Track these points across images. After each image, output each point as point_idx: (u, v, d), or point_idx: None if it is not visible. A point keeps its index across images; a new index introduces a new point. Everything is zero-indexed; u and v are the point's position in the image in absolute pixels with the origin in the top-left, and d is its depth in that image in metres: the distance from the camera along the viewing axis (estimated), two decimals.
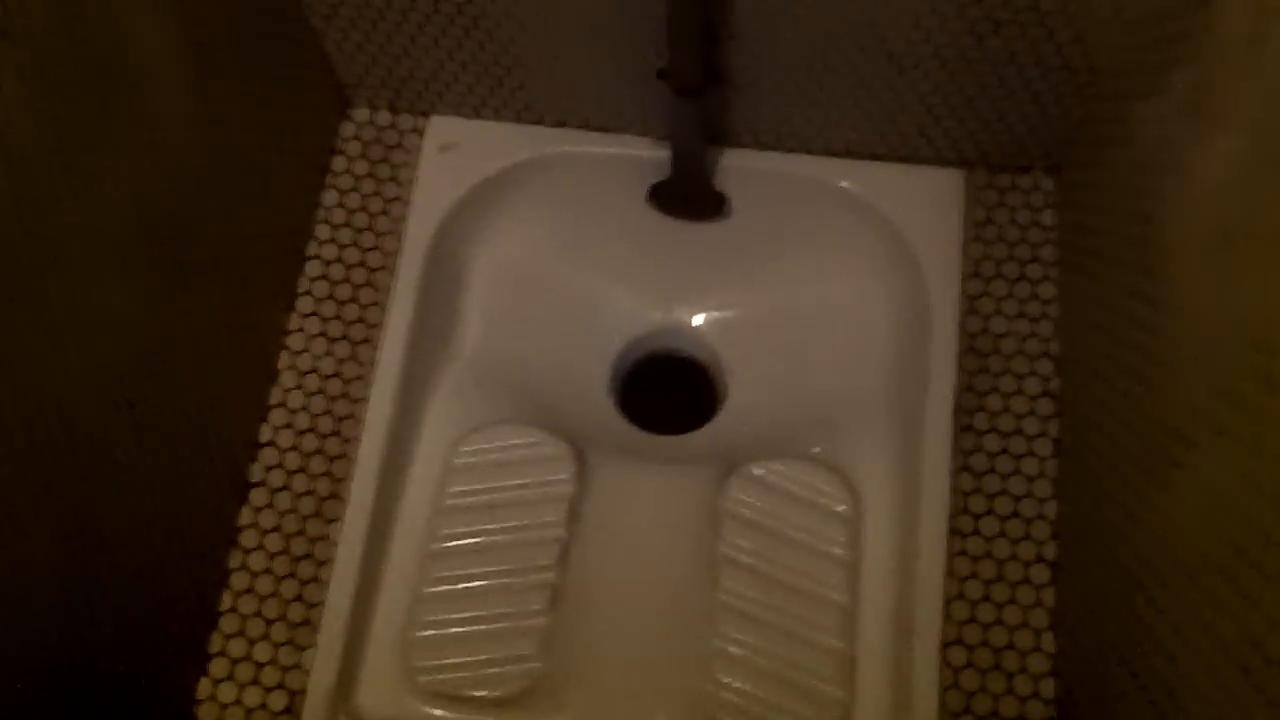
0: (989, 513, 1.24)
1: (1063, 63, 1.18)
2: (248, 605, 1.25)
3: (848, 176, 1.35)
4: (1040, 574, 1.21)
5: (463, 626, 1.26)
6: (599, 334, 1.43)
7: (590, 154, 1.38)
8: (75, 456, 0.95)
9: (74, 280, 0.92)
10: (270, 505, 1.28)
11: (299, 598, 1.25)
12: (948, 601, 1.20)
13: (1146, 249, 1.04)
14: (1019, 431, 1.26)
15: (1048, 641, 1.19)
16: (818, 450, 1.33)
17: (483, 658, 1.25)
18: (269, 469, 1.29)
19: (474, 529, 1.30)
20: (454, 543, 1.29)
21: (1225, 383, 0.84)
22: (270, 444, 1.30)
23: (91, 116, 0.92)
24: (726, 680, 1.22)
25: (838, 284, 1.40)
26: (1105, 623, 1.06)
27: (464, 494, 1.31)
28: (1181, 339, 0.94)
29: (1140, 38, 1.09)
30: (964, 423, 1.27)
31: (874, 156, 1.35)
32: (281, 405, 1.31)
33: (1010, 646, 1.19)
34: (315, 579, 1.25)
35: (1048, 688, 1.18)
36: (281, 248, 1.33)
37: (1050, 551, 1.22)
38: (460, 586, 1.28)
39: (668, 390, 1.42)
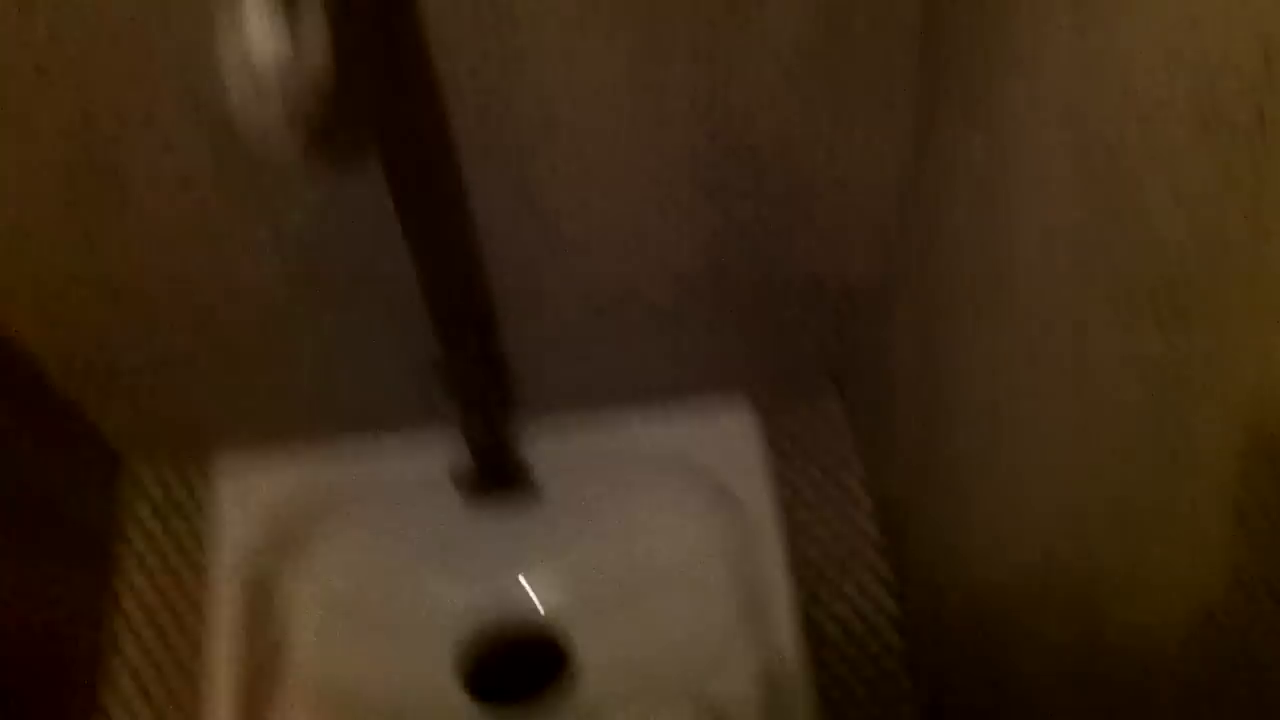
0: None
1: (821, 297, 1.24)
2: None
3: (645, 431, 1.38)
4: None
5: None
6: (437, 633, 1.38)
7: (387, 461, 1.37)
8: None
9: None
10: None
11: None
12: None
13: (941, 441, 1.07)
14: (864, 647, 1.27)
15: None
16: (675, 696, 1.31)
17: None
18: None
19: None
20: None
21: (1030, 543, 0.86)
22: None
23: None
24: None
25: (661, 528, 1.40)
26: None
27: None
28: (990, 508, 0.97)
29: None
30: (815, 638, 1.27)
31: (668, 395, 1.37)
32: None
33: None
34: None
35: None
36: (80, 615, 1.27)
37: None
38: None
39: (520, 671, 1.38)
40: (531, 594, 1.41)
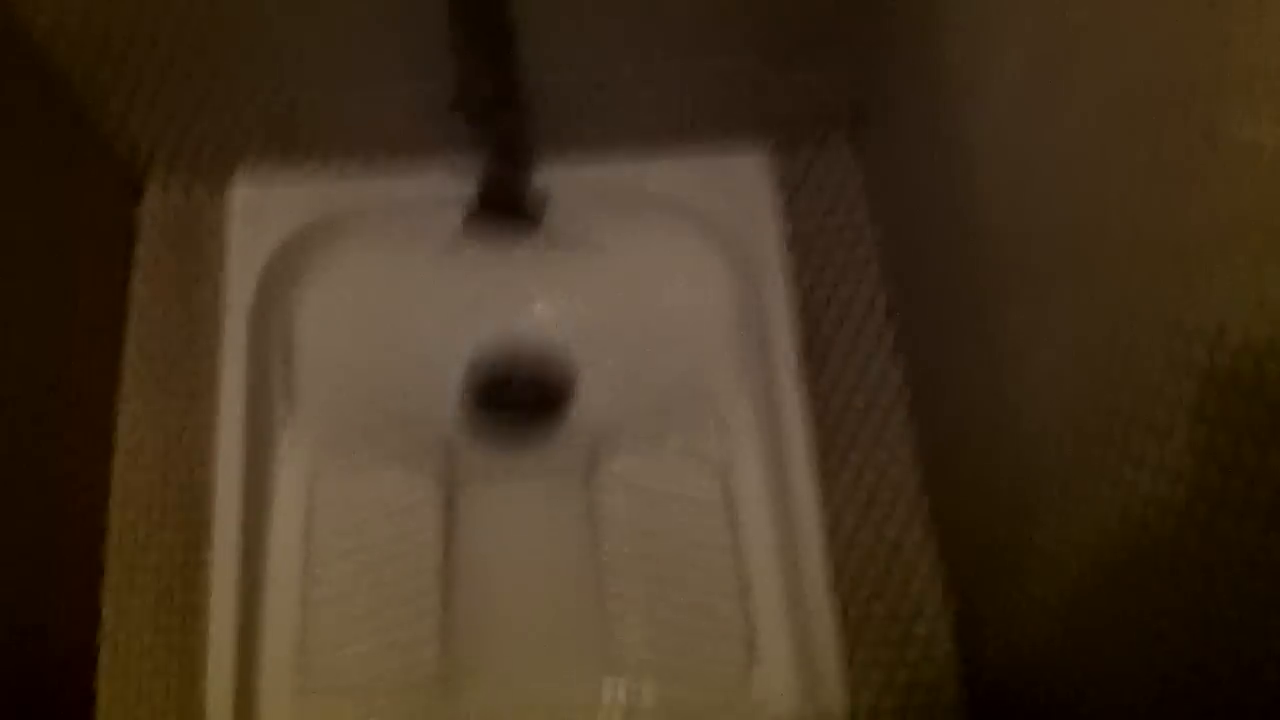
0: (858, 481, 1.27)
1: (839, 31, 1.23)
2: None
3: (655, 176, 1.37)
4: (915, 532, 1.25)
5: (351, 672, 1.23)
6: (441, 363, 1.42)
7: (397, 195, 1.37)
8: None
9: None
10: (130, 584, 1.23)
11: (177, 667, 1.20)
12: (827, 549, 1.22)
13: (950, 180, 1.08)
14: (862, 384, 1.31)
15: (933, 594, 1.22)
16: (677, 438, 1.35)
17: (380, 702, 1.23)
18: (120, 552, 1.24)
19: (346, 571, 1.27)
20: (327, 589, 1.26)
21: (1055, 288, 0.88)
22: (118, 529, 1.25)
23: None
24: (625, 676, 1.24)
25: (667, 276, 1.42)
26: (992, 553, 1.09)
27: (331, 545, 1.28)
28: (1007, 261, 0.98)
29: None
30: (811, 388, 1.29)
31: (680, 142, 1.37)
32: (122, 492, 1.26)
33: (889, 572, 1.23)
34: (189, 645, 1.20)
35: (944, 631, 1.21)
36: (93, 336, 1.29)
37: (925, 507, 1.26)
38: (341, 632, 1.25)
39: (521, 407, 1.42)
40: (537, 328, 1.44)
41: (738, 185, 1.37)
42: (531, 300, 1.45)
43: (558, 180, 1.37)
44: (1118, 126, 0.74)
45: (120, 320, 1.33)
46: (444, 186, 1.36)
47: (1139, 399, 0.75)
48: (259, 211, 1.36)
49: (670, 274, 1.42)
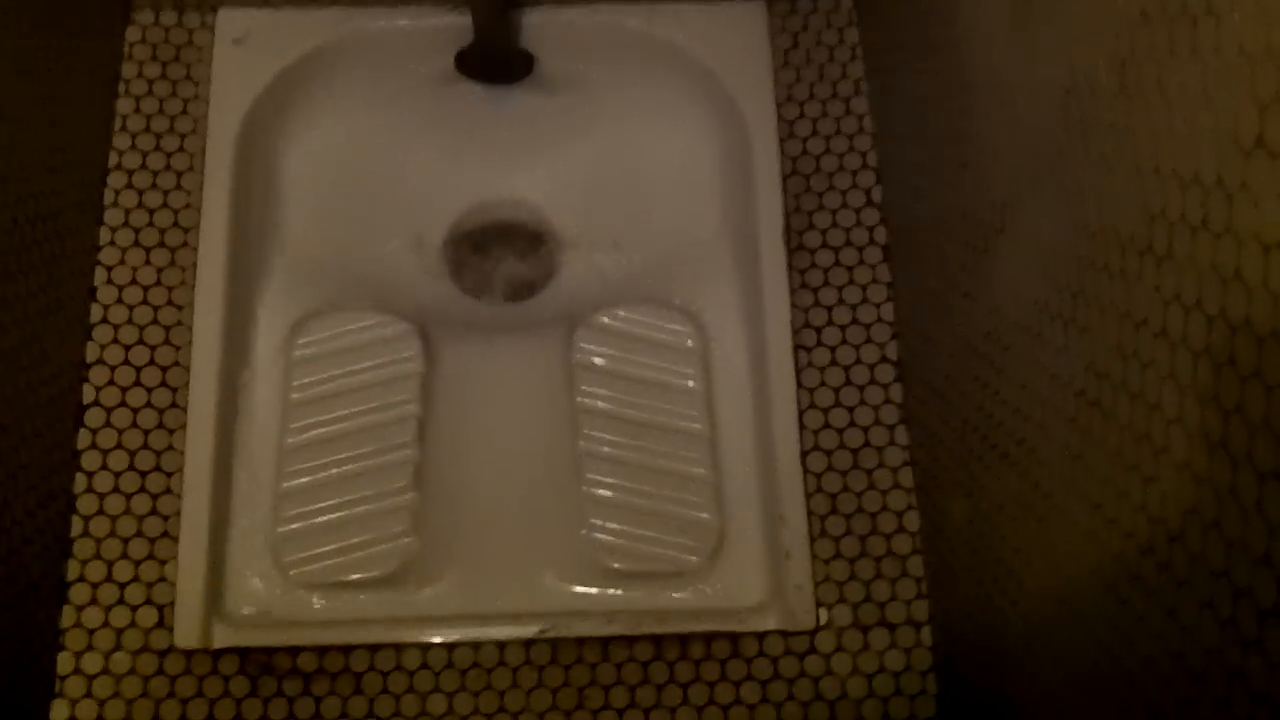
0: (829, 324, 1.27)
1: None
2: (100, 527, 1.21)
3: (650, 21, 1.35)
4: (885, 373, 1.26)
5: (329, 515, 1.24)
6: (426, 210, 1.41)
7: (390, 29, 1.35)
8: None
9: None
10: (108, 424, 1.23)
11: (153, 511, 1.21)
12: (801, 412, 1.24)
13: (949, 40, 1.06)
14: (849, 243, 1.30)
15: (901, 434, 1.24)
16: (659, 292, 1.34)
17: (353, 541, 1.23)
18: (100, 387, 1.24)
19: (326, 418, 1.28)
20: (307, 435, 1.27)
21: (1039, 136, 0.87)
22: (99, 362, 1.24)
23: None
24: (601, 524, 1.24)
25: (657, 129, 1.41)
26: (953, 403, 1.10)
27: (309, 385, 1.29)
28: (992, 112, 0.97)
29: None
30: (795, 243, 1.29)
31: None
32: (104, 321, 1.26)
33: (866, 444, 1.24)
34: (167, 490, 1.22)
35: (906, 477, 1.23)
36: (80, 159, 1.26)
37: (893, 351, 1.26)
38: (320, 476, 1.26)
39: (504, 258, 1.41)
40: (523, 177, 1.42)
41: (733, 34, 1.35)
42: (519, 144, 1.43)
43: (552, 25, 1.36)
44: None
45: (105, 143, 1.31)
46: (437, 21, 1.34)
47: (1110, 248, 0.75)
48: (249, 40, 1.34)
49: (660, 124, 1.40)
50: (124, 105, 1.33)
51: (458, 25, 1.33)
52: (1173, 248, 0.67)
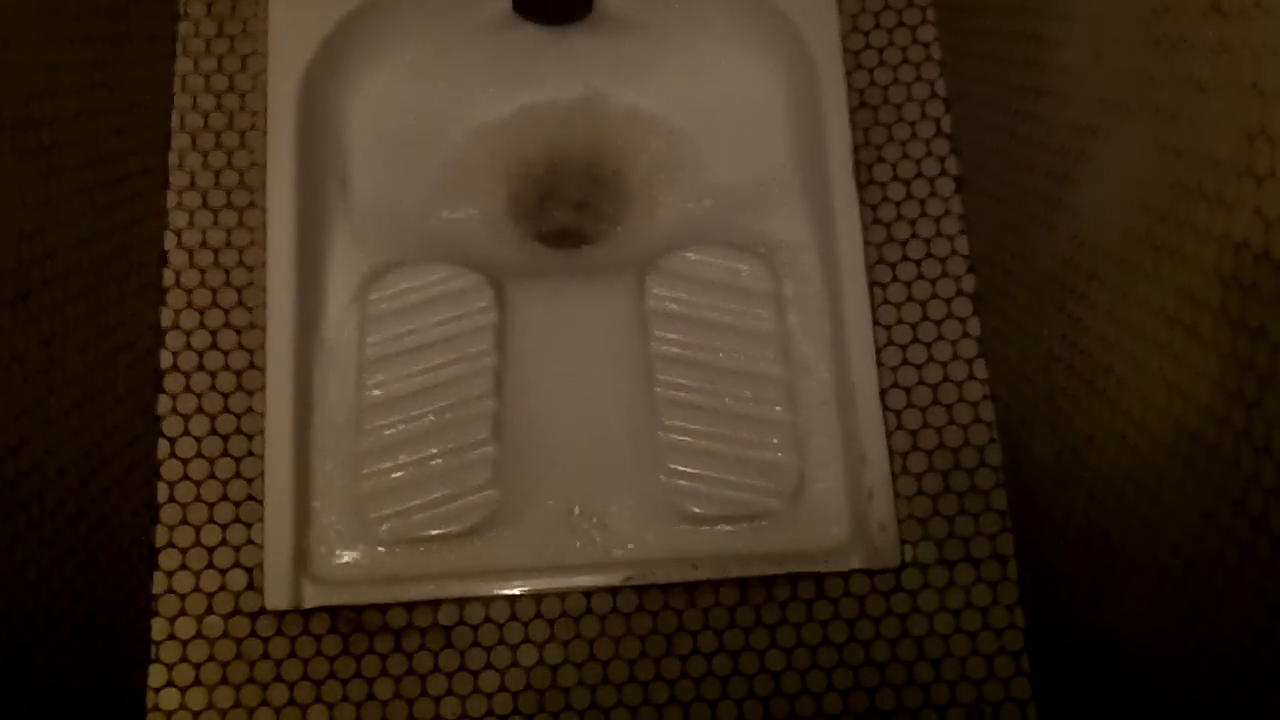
0: (904, 259, 1.25)
1: None
2: (185, 493, 1.22)
3: None
4: (963, 307, 1.24)
5: (410, 470, 1.25)
6: (492, 156, 1.39)
7: None
8: None
9: None
10: (187, 389, 1.24)
11: (236, 474, 1.23)
12: (878, 350, 1.22)
13: None
14: (920, 175, 1.27)
15: (980, 368, 1.22)
16: (729, 233, 1.33)
17: (436, 495, 1.24)
18: (177, 353, 1.25)
19: (402, 373, 1.28)
20: (384, 390, 1.27)
21: (1125, 57, 0.85)
22: (174, 327, 1.25)
23: None
24: (681, 469, 1.24)
25: (720, 66, 1.38)
26: (1035, 336, 1.08)
27: (384, 341, 1.29)
28: (1073, 35, 0.95)
29: None
30: (865, 177, 1.27)
31: None
32: (176, 285, 1.26)
33: (945, 379, 1.22)
34: (249, 453, 1.23)
35: (987, 411, 1.21)
36: (143, 122, 1.26)
37: (970, 284, 1.24)
38: (399, 431, 1.26)
39: (571, 204, 1.40)
40: (586, 120, 1.40)
41: None
42: (581, 86, 1.40)
43: None
44: None
45: (167, 104, 1.31)
46: None
47: (1205, 171, 0.73)
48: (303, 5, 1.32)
49: (723, 60, 1.38)
50: (183, 65, 1.33)
51: None
52: (1275, 167, 0.65)
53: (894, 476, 1.20)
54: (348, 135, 1.37)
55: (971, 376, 1.22)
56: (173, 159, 1.29)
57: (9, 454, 0.94)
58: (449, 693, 1.18)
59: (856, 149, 1.27)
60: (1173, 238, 0.79)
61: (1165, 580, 0.84)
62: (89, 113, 1.12)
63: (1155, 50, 0.79)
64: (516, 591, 1.19)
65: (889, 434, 1.20)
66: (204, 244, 1.27)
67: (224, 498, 1.22)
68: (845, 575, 1.19)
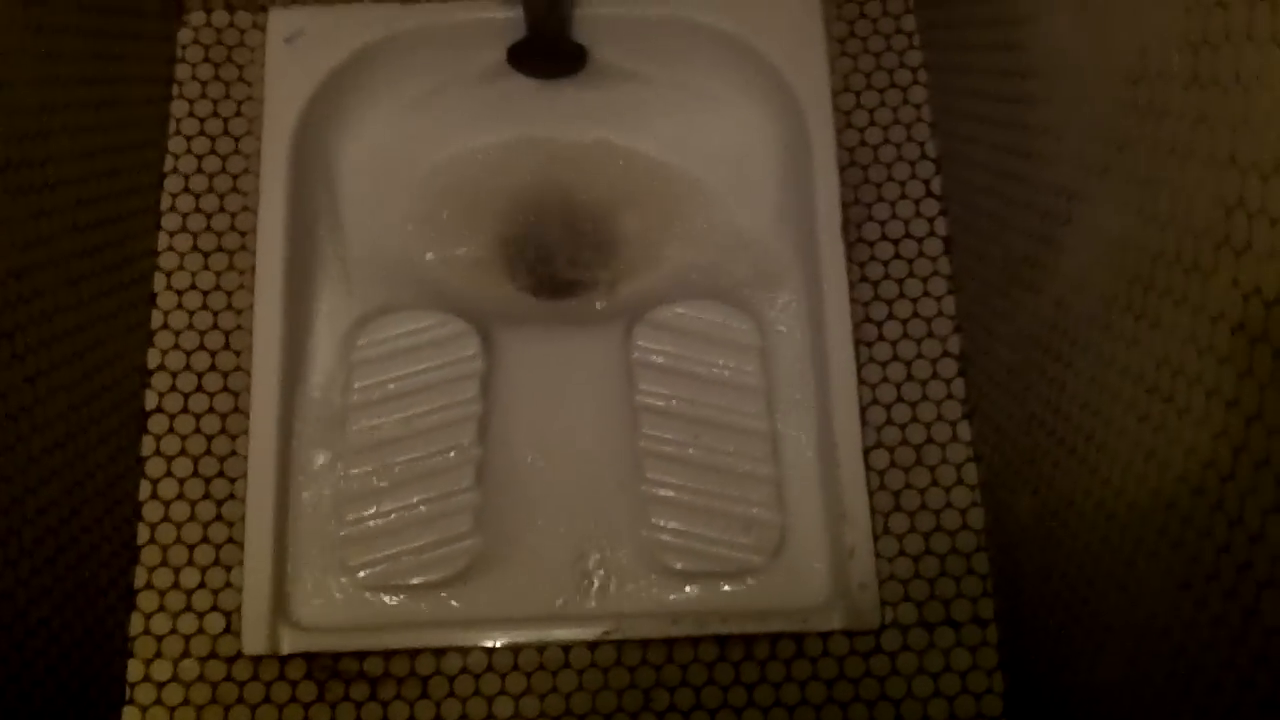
0: (890, 317, 1.25)
1: None
2: (165, 534, 1.21)
3: (705, 10, 1.33)
4: (948, 367, 1.24)
5: (392, 516, 1.25)
6: (483, 204, 1.40)
7: (442, 23, 1.34)
8: None
9: None
10: (171, 430, 1.24)
11: (218, 517, 1.22)
12: (863, 408, 1.22)
13: (1011, 22, 1.04)
14: (908, 235, 1.28)
15: (964, 430, 1.22)
16: (716, 287, 1.33)
17: (418, 544, 1.24)
18: (163, 394, 1.25)
19: (387, 419, 1.28)
20: (369, 435, 1.28)
21: (1106, 124, 0.85)
22: (160, 368, 1.25)
23: None
24: (663, 523, 1.24)
25: (712, 121, 1.39)
26: (1018, 397, 1.08)
27: (370, 386, 1.29)
28: (1057, 99, 0.95)
29: None
30: (854, 235, 1.27)
31: None
32: (165, 327, 1.26)
33: (929, 440, 1.22)
34: (231, 496, 1.22)
35: (970, 473, 1.21)
36: (137, 163, 1.27)
37: (955, 345, 1.24)
38: (383, 477, 1.26)
39: (560, 254, 1.40)
40: (577, 172, 1.41)
41: (788, 23, 1.33)
42: (574, 139, 1.41)
43: (604, 16, 1.34)
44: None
45: (161, 147, 1.32)
46: (489, 15, 1.33)
47: (1184, 240, 0.73)
48: (300, 38, 1.34)
49: (715, 115, 1.39)
50: (178, 108, 1.34)
51: (509, 19, 1.33)
52: (1252, 240, 0.65)
53: (876, 536, 1.19)
54: (340, 181, 1.38)
55: (955, 438, 1.22)
56: (165, 201, 1.30)
57: None
58: None
59: (846, 207, 1.27)
60: (1151, 305, 0.79)
61: (1141, 647, 0.83)
62: (83, 153, 1.12)
63: (1136, 117, 0.80)
64: (495, 643, 1.18)
65: (872, 493, 1.20)
66: (193, 286, 1.27)
67: (204, 540, 1.21)
68: (825, 635, 1.18)
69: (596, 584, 1.22)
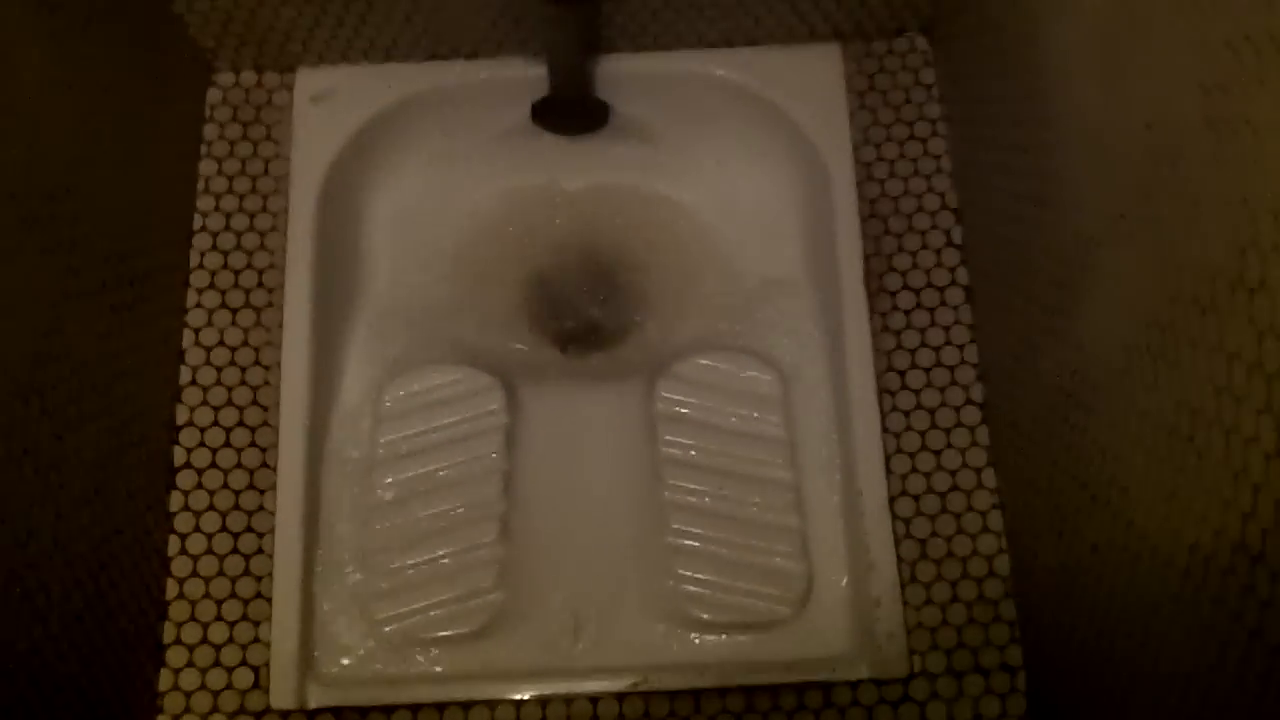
0: (913, 366, 1.26)
1: None
2: (194, 589, 1.22)
3: (726, 65, 1.35)
4: (971, 415, 1.24)
5: (418, 570, 1.25)
6: (506, 262, 1.42)
7: (466, 82, 1.36)
8: None
9: None
10: (199, 485, 1.25)
11: (246, 572, 1.23)
12: (887, 457, 1.22)
13: (1030, 72, 1.05)
14: (930, 284, 1.28)
15: (989, 477, 1.22)
16: (739, 339, 1.34)
17: (443, 598, 1.23)
18: (191, 449, 1.26)
19: (413, 473, 1.29)
20: (394, 490, 1.28)
21: (1123, 170, 0.86)
22: (189, 424, 1.27)
23: None
24: (688, 574, 1.23)
25: (734, 175, 1.41)
26: (1041, 444, 1.08)
27: (396, 441, 1.30)
28: (1075, 148, 0.96)
29: None
30: (876, 285, 1.28)
31: (750, 42, 1.35)
32: (193, 383, 1.28)
33: (954, 488, 1.22)
34: (259, 551, 1.23)
35: (996, 520, 1.20)
36: (166, 220, 1.29)
37: (978, 393, 1.24)
38: (408, 531, 1.26)
39: (584, 308, 1.42)
40: (602, 228, 1.43)
41: (808, 77, 1.35)
42: (598, 195, 1.43)
43: (626, 74, 1.36)
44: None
45: (189, 205, 1.34)
46: (512, 73, 1.36)
47: (1200, 282, 0.74)
48: (327, 98, 1.36)
49: (737, 169, 1.41)
50: (206, 167, 1.36)
51: (533, 76, 1.35)
52: (1265, 278, 0.66)
53: (902, 585, 1.19)
54: (366, 238, 1.40)
55: (980, 485, 1.21)
56: (193, 258, 1.32)
57: (18, 545, 0.95)
58: None
59: (867, 258, 1.28)
60: (1171, 348, 0.79)
61: (1168, 691, 0.82)
62: (112, 210, 1.15)
63: (1152, 163, 0.81)
64: (522, 696, 1.18)
65: (898, 542, 1.20)
66: (221, 342, 1.29)
67: (232, 595, 1.22)
68: (853, 684, 1.17)
69: (623, 636, 1.22)
